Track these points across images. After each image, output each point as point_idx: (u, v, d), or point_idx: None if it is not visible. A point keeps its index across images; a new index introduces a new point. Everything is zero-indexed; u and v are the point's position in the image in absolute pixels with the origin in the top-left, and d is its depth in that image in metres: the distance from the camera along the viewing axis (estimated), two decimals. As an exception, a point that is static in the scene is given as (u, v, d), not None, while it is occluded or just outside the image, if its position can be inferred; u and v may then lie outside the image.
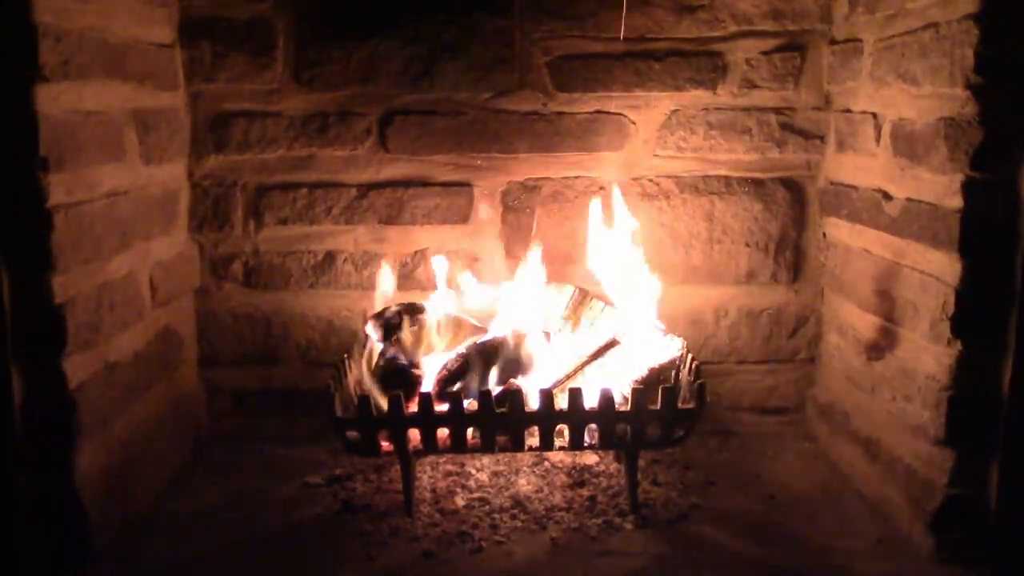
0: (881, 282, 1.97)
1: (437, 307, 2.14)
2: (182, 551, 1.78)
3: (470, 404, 1.80)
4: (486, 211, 2.29)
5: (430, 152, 2.29)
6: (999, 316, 1.62)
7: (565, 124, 2.29)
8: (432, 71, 2.24)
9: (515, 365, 1.96)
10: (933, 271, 1.73)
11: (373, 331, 2.06)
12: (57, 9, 1.60)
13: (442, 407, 1.79)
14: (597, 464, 2.11)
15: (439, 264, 2.23)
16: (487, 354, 1.96)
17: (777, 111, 2.29)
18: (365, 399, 1.78)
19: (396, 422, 1.78)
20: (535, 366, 1.98)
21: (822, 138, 2.30)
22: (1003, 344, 1.62)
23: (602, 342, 1.99)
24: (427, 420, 1.78)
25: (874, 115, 2.01)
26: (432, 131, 2.28)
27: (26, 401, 1.59)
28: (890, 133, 1.93)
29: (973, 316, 1.64)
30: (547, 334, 2.04)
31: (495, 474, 2.07)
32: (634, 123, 2.30)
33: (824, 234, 2.32)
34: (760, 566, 1.72)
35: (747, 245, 2.35)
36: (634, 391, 1.78)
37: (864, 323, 2.06)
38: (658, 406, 1.77)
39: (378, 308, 2.13)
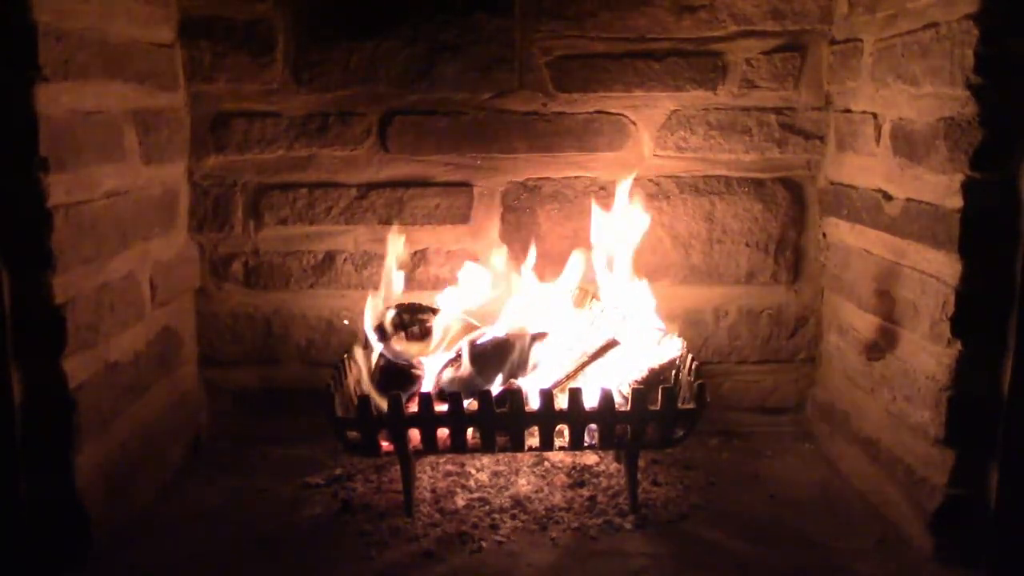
0: (881, 282, 1.97)
1: (437, 307, 2.14)
2: (182, 551, 1.78)
3: (470, 404, 1.80)
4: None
5: (430, 152, 2.29)
6: (999, 316, 1.61)
7: (565, 124, 2.29)
8: (432, 71, 2.24)
9: (515, 365, 1.96)
10: (933, 271, 1.73)
11: (373, 331, 2.06)
12: (57, 9, 1.60)
13: (442, 407, 1.79)
14: (597, 464, 2.11)
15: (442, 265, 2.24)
16: (487, 354, 1.96)
17: (777, 111, 2.29)
18: (365, 399, 1.78)
19: (396, 422, 1.78)
20: (535, 366, 1.97)
21: (822, 138, 2.30)
22: (1003, 344, 1.62)
23: (602, 342, 1.99)
24: (427, 420, 1.78)
25: (874, 115, 2.01)
26: (432, 131, 2.28)
27: (26, 401, 1.59)
28: (890, 133, 1.93)
29: (973, 316, 1.64)
30: (547, 334, 2.04)
31: (495, 474, 2.07)
32: (634, 123, 2.30)
33: (824, 234, 2.32)
34: (760, 566, 1.72)
35: (747, 245, 2.35)
36: (634, 391, 1.78)
37: (864, 323, 2.06)
38: (658, 406, 1.77)
39: (379, 308, 2.13)
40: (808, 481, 2.09)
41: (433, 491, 1.99)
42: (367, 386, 1.94)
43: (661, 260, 2.32)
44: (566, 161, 2.31)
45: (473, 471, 2.08)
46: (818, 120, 2.30)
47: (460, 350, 1.99)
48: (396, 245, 2.19)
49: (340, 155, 2.29)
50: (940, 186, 1.70)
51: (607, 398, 1.77)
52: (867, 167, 2.05)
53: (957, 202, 1.64)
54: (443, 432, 1.80)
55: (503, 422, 1.79)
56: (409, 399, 1.83)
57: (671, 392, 1.79)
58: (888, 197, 1.93)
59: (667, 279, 2.33)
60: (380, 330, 2.07)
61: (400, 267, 2.20)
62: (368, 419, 1.78)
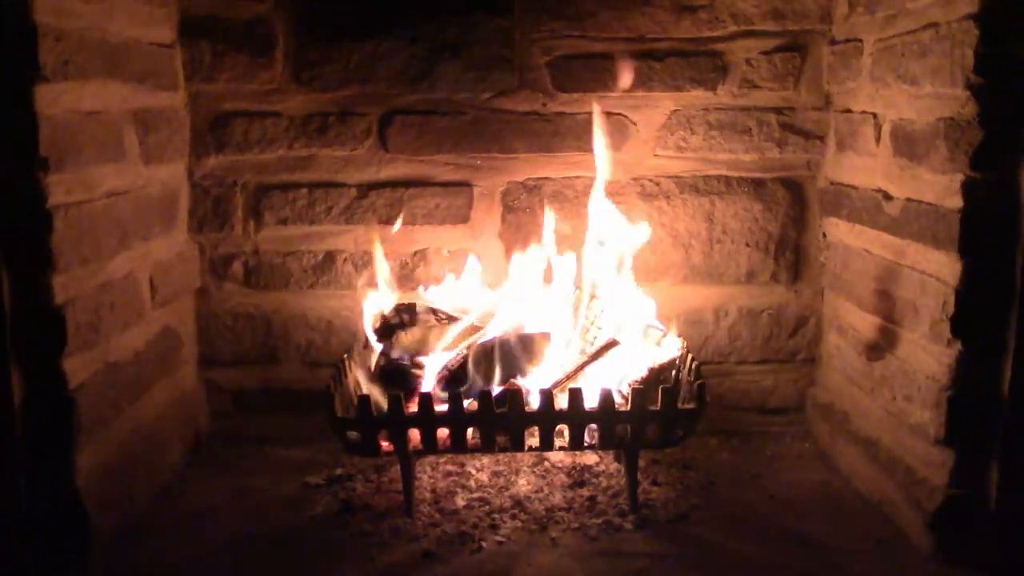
0: (881, 282, 1.97)
1: (437, 307, 2.14)
2: (182, 551, 1.78)
3: (470, 404, 1.80)
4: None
5: (430, 152, 2.29)
6: (999, 316, 1.61)
7: (565, 124, 2.29)
8: (432, 71, 2.24)
9: (515, 365, 1.96)
10: (933, 271, 1.73)
11: (372, 331, 2.06)
12: (57, 9, 1.60)
13: (442, 407, 1.79)
14: (597, 464, 2.11)
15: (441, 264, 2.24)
16: (487, 354, 1.96)
17: (777, 111, 2.29)
18: (365, 399, 1.77)
19: (396, 422, 1.78)
20: (535, 366, 1.97)
21: (822, 138, 2.30)
22: (1003, 344, 1.62)
23: (602, 342, 1.99)
24: (427, 420, 1.78)
25: (874, 115, 2.01)
26: (432, 131, 2.28)
27: (26, 401, 1.59)
28: (890, 133, 1.93)
29: (973, 316, 1.64)
30: (547, 334, 2.04)
31: (495, 474, 2.07)
32: (634, 123, 2.30)
33: (824, 234, 2.32)
34: (760, 566, 1.72)
35: (747, 245, 2.34)
36: (634, 391, 1.78)
37: (864, 323, 2.06)
38: (658, 406, 1.77)
39: (377, 309, 2.13)
40: (808, 481, 2.09)
41: (433, 491, 1.99)
42: (367, 386, 1.94)
43: (661, 260, 2.32)
44: (566, 161, 2.31)
45: (473, 471, 2.08)
46: (818, 120, 2.30)
47: (461, 350, 1.99)
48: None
49: (340, 155, 2.29)
50: (940, 186, 1.70)
51: (607, 398, 1.77)
52: (867, 167, 2.05)
53: (957, 202, 1.64)
54: (443, 432, 1.80)
55: (503, 422, 1.79)
56: (409, 399, 1.83)
57: (671, 392, 1.79)
58: (888, 197, 1.93)
59: (667, 279, 2.33)
60: (380, 330, 2.07)
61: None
62: (368, 419, 1.78)
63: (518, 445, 1.82)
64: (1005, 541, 1.65)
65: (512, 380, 1.91)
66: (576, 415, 1.78)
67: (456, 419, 1.78)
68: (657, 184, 2.32)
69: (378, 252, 2.20)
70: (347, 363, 2.01)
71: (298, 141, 2.28)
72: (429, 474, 2.07)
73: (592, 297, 2.19)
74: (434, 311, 2.12)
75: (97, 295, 1.76)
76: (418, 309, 2.12)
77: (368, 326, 2.08)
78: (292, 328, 2.35)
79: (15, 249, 1.56)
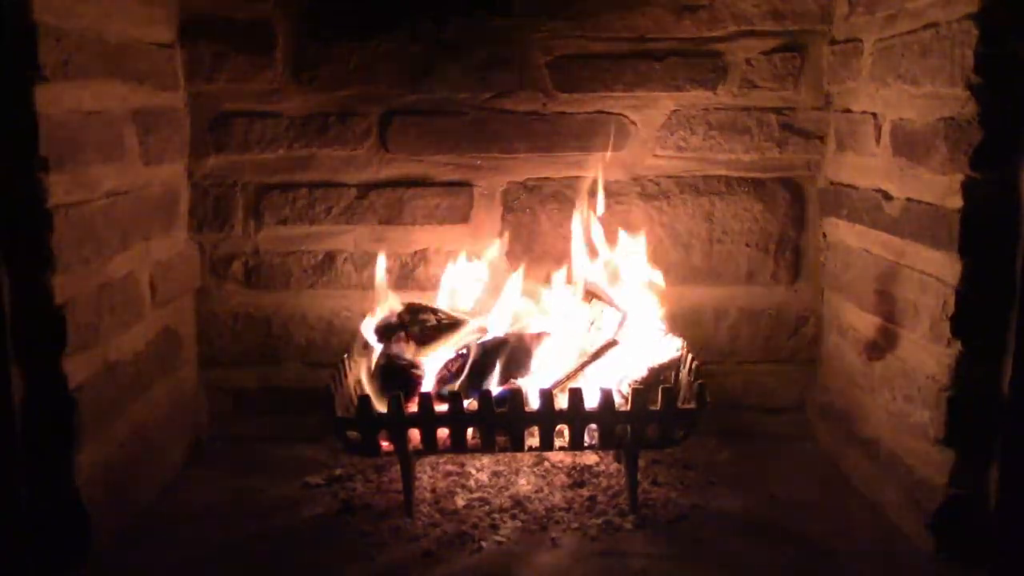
0: (881, 282, 1.97)
1: (437, 307, 2.14)
2: (182, 551, 1.78)
3: (470, 404, 1.80)
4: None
5: (430, 152, 2.29)
6: (999, 316, 1.61)
7: (565, 124, 2.29)
8: (432, 71, 2.24)
9: (515, 365, 1.96)
10: (933, 271, 1.73)
11: (372, 331, 2.06)
12: (57, 9, 1.60)
13: (442, 407, 1.79)
14: (597, 464, 2.12)
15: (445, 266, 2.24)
16: (488, 354, 1.96)
17: (777, 111, 2.29)
18: (365, 399, 1.78)
19: (396, 422, 1.78)
20: (535, 366, 1.97)
21: (822, 138, 2.30)
22: (1003, 344, 1.62)
23: (602, 342, 1.99)
24: (427, 420, 1.78)
25: (874, 115, 2.01)
26: (432, 131, 2.28)
27: (26, 401, 1.59)
28: (890, 133, 1.93)
29: (973, 316, 1.64)
30: (547, 334, 2.04)
31: (495, 474, 2.07)
32: (634, 123, 2.30)
33: (824, 234, 2.32)
34: (760, 566, 1.72)
35: (747, 245, 2.34)
36: (634, 391, 1.78)
37: (864, 323, 2.06)
38: (658, 406, 1.77)
39: (377, 308, 2.13)
40: (808, 481, 2.09)
41: (433, 491, 1.99)
42: (367, 386, 1.94)
43: (661, 260, 2.31)
44: (566, 161, 2.31)
45: (473, 471, 2.08)
46: (818, 120, 2.29)
47: (461, 350, 1.99)
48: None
49: (340, 155, 2.29)
50: (940, 186, 1.70)
51: (607, 398, 1.77)
52: (867, 167, 2.05)
53: (957, 202, 1.64)
54: (443, 432, 1.81)
55: (503, 422, 1.79)
56: (409, 399, 1.83)
57: (671, 392, 1.79)
58: (888, 197, 1.94)
59: (667, 279, 2.32)
60: (380, 330, 2.07)
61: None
62: (368, 419, 1.78)
63: (518, 445, 1.82)
64: (1005, 541, 1.65)
65: (512, 380, 1.92)
66: (576, 415, 1.78)
67: (456, 419, 1.78)
68: (657, 184, 2.32)
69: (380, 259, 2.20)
70: (347, 363, 2.01)
71: (298, 141, 2.28)
72: (429, 474, 2.07)
73: (592, 297, 2.19)
74: (434, 311, 2.11)
75: (97, 295, 1.76)
76: (418, 309, 2.12)
77: (368, 326, 2.08)
78: (292, 328, 2.35)
79: (15, 249, 1.56)
